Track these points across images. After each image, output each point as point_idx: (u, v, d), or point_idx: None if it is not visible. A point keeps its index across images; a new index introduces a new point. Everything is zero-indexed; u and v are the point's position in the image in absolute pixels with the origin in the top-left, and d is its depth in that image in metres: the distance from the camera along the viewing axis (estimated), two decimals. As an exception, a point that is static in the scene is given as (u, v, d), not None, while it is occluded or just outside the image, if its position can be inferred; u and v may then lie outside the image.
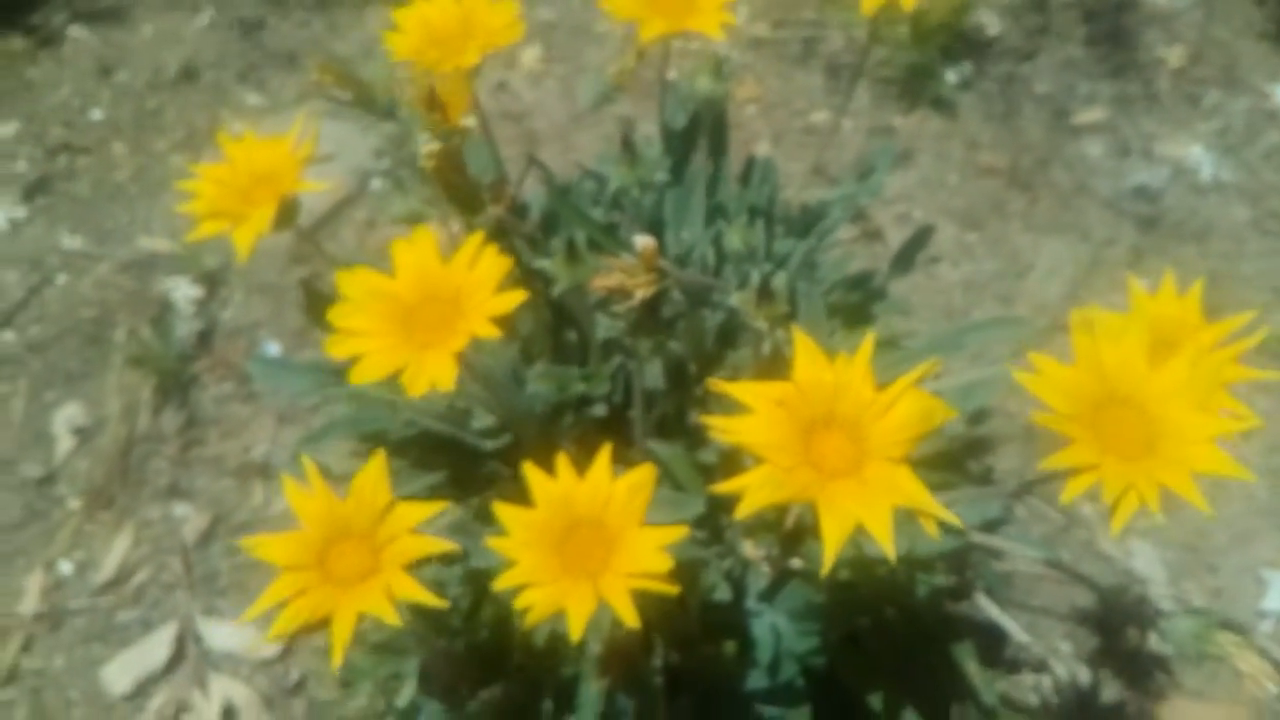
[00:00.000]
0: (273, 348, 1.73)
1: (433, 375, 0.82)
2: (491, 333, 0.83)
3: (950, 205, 1.92)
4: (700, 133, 1.20)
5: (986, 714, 1.15)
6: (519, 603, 0.79)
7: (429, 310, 0.87)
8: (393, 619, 0.80)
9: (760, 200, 1.13)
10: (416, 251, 0.88)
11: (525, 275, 1.04)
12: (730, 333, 1.08)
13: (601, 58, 2.20)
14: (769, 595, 1.05)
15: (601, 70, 1.15)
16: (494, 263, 0.86)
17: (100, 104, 2.15)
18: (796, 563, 1.06)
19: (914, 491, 0.76)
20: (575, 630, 0.78)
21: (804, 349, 0.80)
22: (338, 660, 0.81)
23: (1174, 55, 2.20)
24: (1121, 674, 1.39)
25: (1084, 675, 1.38)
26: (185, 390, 1.69)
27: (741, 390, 0.78)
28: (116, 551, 1.53)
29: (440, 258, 0.88)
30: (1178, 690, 1.39)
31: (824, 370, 0.79)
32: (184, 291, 1.81)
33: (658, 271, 0.89)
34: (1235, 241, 1.93)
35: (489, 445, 1.09)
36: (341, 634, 0.81)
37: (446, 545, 0.84)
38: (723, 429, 0.76)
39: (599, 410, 1.05)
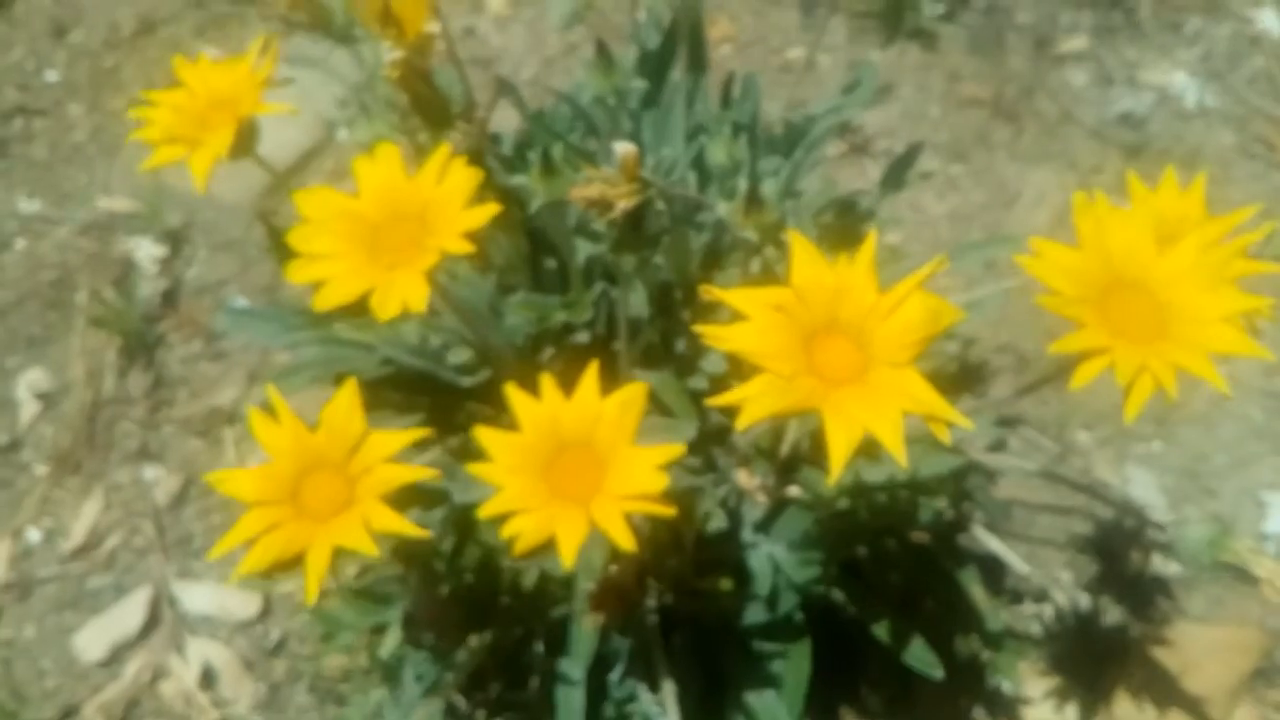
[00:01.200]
0: (240, 304, 1.67)
1: (403, 296, 0.76)
2: (463, 248, 0.77)
3: (934, 138, 1.86)
4: (676, 50, 1.14)
5: (991, 641, 1.11)
6: (505, 531, 0.73)
7: (396, 229, 0.81)
8: (371, 550, 0.75)
9: (743, 117, 1.07)
10: (380, 167, 0.82)
11: (500, 199, 0.98)
12: (716, 254, 1.02)
13: (570, 3, 2.13)
14: (765, 525, 1.00)
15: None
16: (464, 175, 0.80)
17: (55, 65, 2.06)
18: (794, 491, 1.01)
19: (924, 395, 0.71)
20: (566, 557, 0.72)
21: (801, 250, 0.74)
22: (312, 597, 0.75)
23: (1158, -16, 2.14)
24: (1123, 600, 1.35)
25: (1085, 603, 1.34)
26: (151, 351, 1.62)
27: (737, 296, 0.73)
28: (86, 517, 1.46)
29: (405, 173, 0.82)
30: (1181, 615, 1.35)
31: (824, 272, 0.74)
32: (147, 251, 1.73)
33: (640, 181, 0.83)
34: (1222, 166, 1.88)
35: (467, 381, 1.03)
36: (317, 569, 0.75)
37: (425, 472, 0.79)
38: (717, 337, 0.71)
39: (582, 339, 0.99)
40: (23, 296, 1.71)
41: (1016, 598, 1.31)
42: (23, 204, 1.84)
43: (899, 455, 0.69)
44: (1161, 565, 1.37)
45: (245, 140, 0.94)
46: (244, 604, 1.37)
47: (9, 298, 1.71)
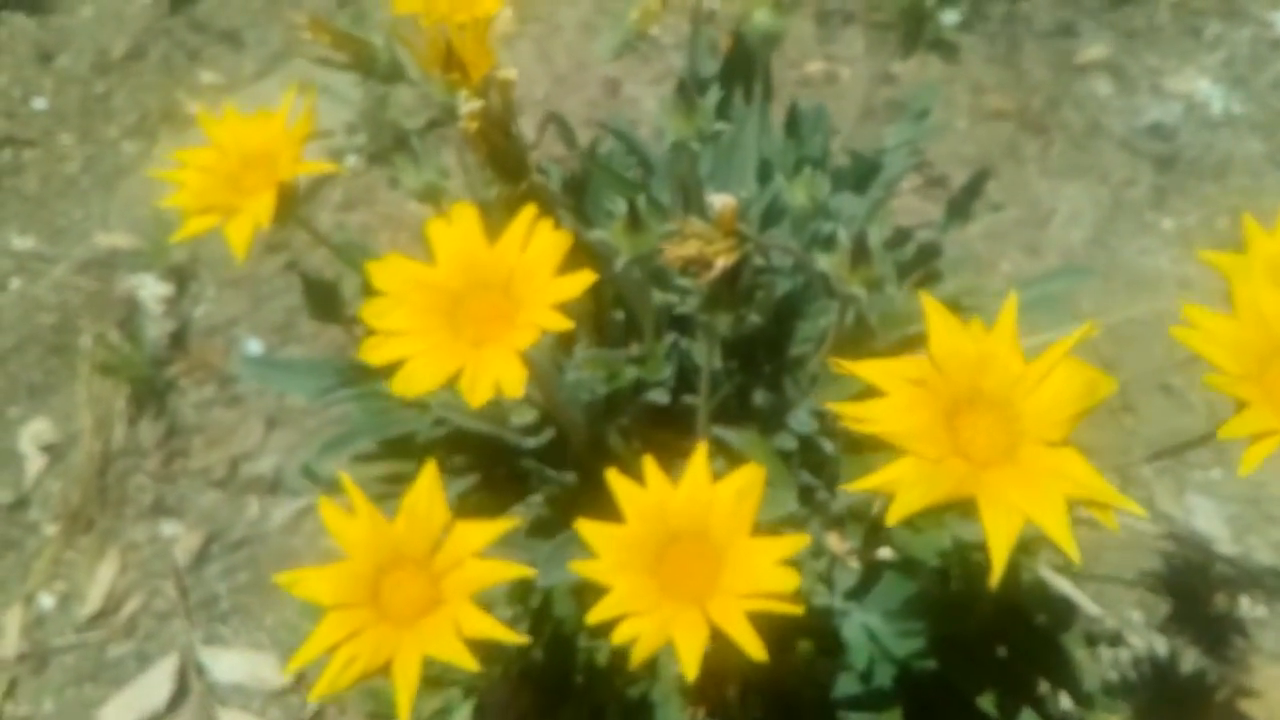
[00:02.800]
0: (254, 345, 1.57)
1: (496, 377, 0.68)
2: (559, 324, 0.69)
3: (961, 152, 1.79)
4: (738, 77, 1.06)
5: (1086, 701, 1.04)
6: (618, 637, 0.65)
7: (479, 300, 0.72)
8: (468, 663, 0.66)
9: (813, 151, 1.00)
10: (457, 232, 0.74)
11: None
12: (797, 301, 0.94)
13: (576, 16, 2.05)
14: (859, 593, 0.92)
15: (619, 16, 1.00)
16: (552, 240, 0.72)
17: (43, 92, 1.95)
18: (884, 553, 0.94)
19: (1087, 478, 0.63)
20: (688, 668, 0.64)
21: (938, 318, 0.67)
22: (405, 716, 0.67)
23: (1171, -13, 2.08)
24: (1199, 641, 1.28)
25: (1161, 646, 1.27)
26: (162, 397, 1.53)
27: (872, 370, 0.65)
28: (102, 579, 1.37)
29: (486, 238, 0.74)
30: (1258, 653, 1.29)
31: (964, 342, 0.66)
32: (151, 289, 1.63)
33: (738, 236, 0.75)
34: (1254, 176, 1.82)
35: (530, 443, 0.95)
36: (408, 682, 0.67)
37: (521, 570, 0.71)
38: (857, 417, 0.63)
39: (658, 398, 0.91)
40: (22, 341, 1.60)
41: (1091, 641, 1.24)
42: (15, 241, 1.74)
43: (1070, 548, 0.61)
44: (1234, 601, 1.31)
45: (287, 203, 0.85)
46: (277, 671, 1.28)
47: (7, 343, 1.60)
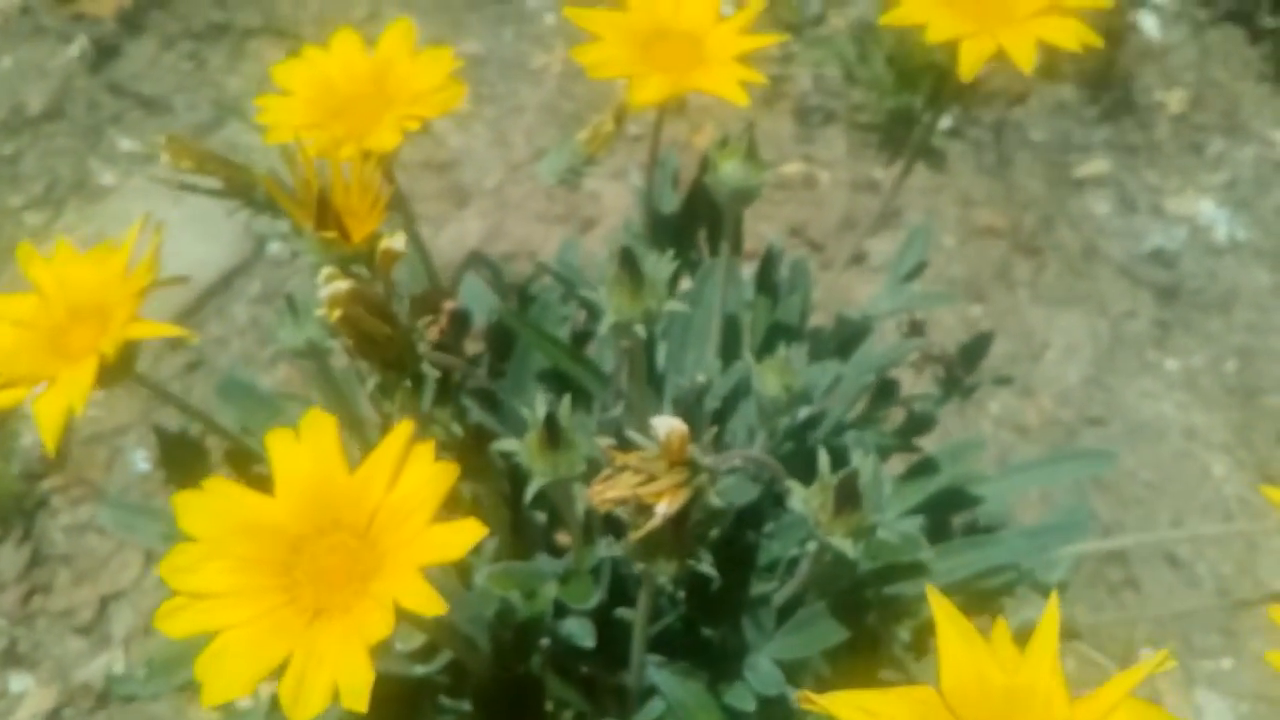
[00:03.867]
0: (141, 460, 1.36)
1: (333, 676, 0.48)
2: (426, 605, 0.49)
3: (948, 272, 1.62)
4: (703, 217, 0.88)
5: None
6: None
7: (329, 548, 0.53)
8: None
9: (790, 316, 0.81)
10: (306, 451, 0.54)
11: (474, 438, 0.70)
12: (762, 513, 0.75)
13: (538, 97, 1.87)
14: None
15: (567, 137, 0.82)
16: (429, 474, 0.52)
17: (-59, 150, 1.75)
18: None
19: None
20: None
21: (951, 630, 0.48)
22: None
23: (1173, 100, 1.93)
24: None
25: None
26: (30, 518, 1.31)
27: (856, 707, 0.46)
28: (-71, 746, 1.15)
29: (345, 461, 0.54)
30: None
31: (987, 666, 0.47)
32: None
33: (689, 467, 0.56)
34: (1260, 311, 1.66)
35: (419, 670, 0.75)
36: None
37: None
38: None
39: (581, 637, 0.71)
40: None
41: None
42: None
43: None
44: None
45: (123, 365, 0.66)
46: None
47: None
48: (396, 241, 0.57)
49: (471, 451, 0.68)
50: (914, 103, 1.78)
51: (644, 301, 0.63)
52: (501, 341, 0.85)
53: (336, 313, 0.54)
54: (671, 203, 0.90)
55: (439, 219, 1.68)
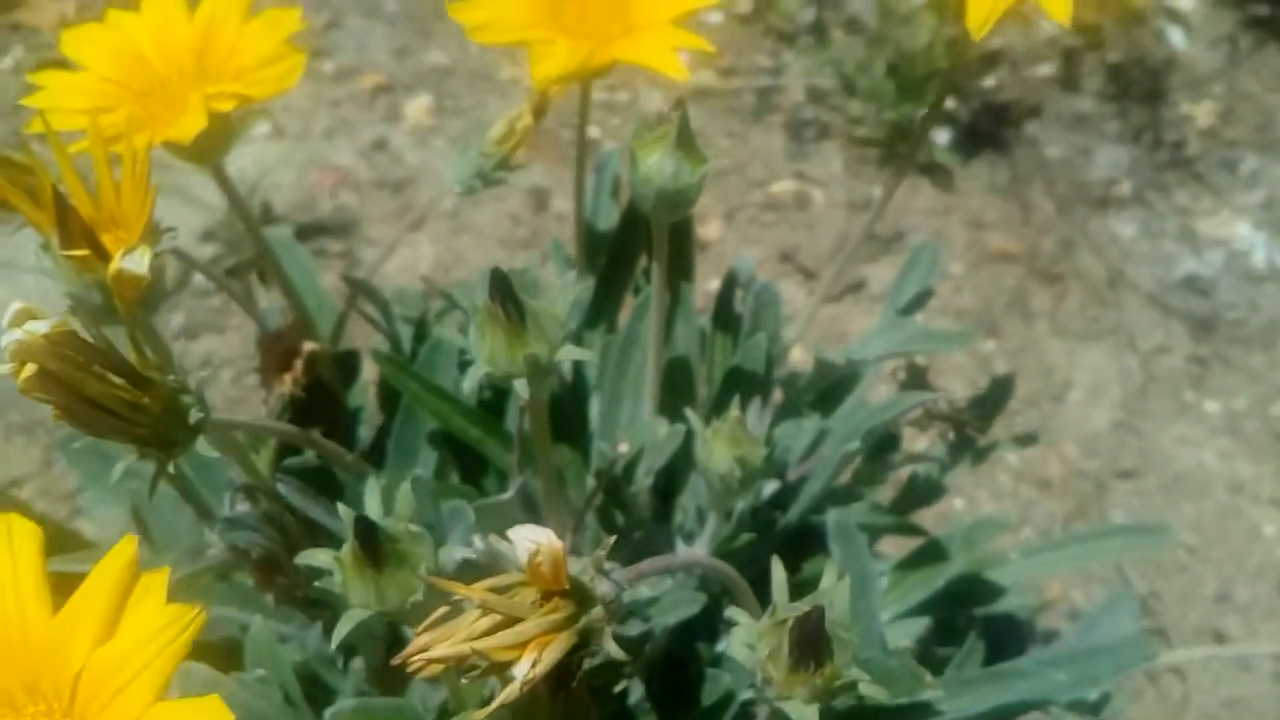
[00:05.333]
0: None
1: None
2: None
3: (957, 303, 1.43)
4: (639, 240, 0.69)
5: None
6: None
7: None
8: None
9: (753, 360, 0.62)
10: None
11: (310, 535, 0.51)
12: (703, 633, 0.56)
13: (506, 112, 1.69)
14: None
15: (481, 131, 0.63)
16: (159, 627, 0.33)
17: None
18: None
19: None
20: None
21: None
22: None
23: (1201, 113, 1.74)
24: None
25: None
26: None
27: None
28: None
29: (45, 597, 0.35)
30: None
31: None
32: (-83, 433, 1.24)
33: (573, 598, 0.37)
34: (1307, 345, 1.47)
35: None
36: None
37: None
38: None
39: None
40: None
41: None
42: None
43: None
44: None
45: None
46: None
47: None
48: (134, 260, 0.38)
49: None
50: (917, 114, 1.59)
51: (528, 346, 0.44)
52: (391, 393, 0.66)
53: (28, 369, 0.35)
54: (610, 216, 0.71)
55: (390, 242, 1.50)
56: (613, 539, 0.38)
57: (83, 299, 0.43)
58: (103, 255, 0.42)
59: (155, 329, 0.44)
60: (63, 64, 1.46)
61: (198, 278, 1.41)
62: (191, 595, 0.54)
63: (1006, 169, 1.61)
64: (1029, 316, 1.43)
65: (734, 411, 0.52)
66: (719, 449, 0.52)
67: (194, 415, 0.41)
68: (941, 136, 1.62)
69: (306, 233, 1.46)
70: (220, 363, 1.36)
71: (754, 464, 0.52)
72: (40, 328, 0.35)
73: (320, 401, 0.65)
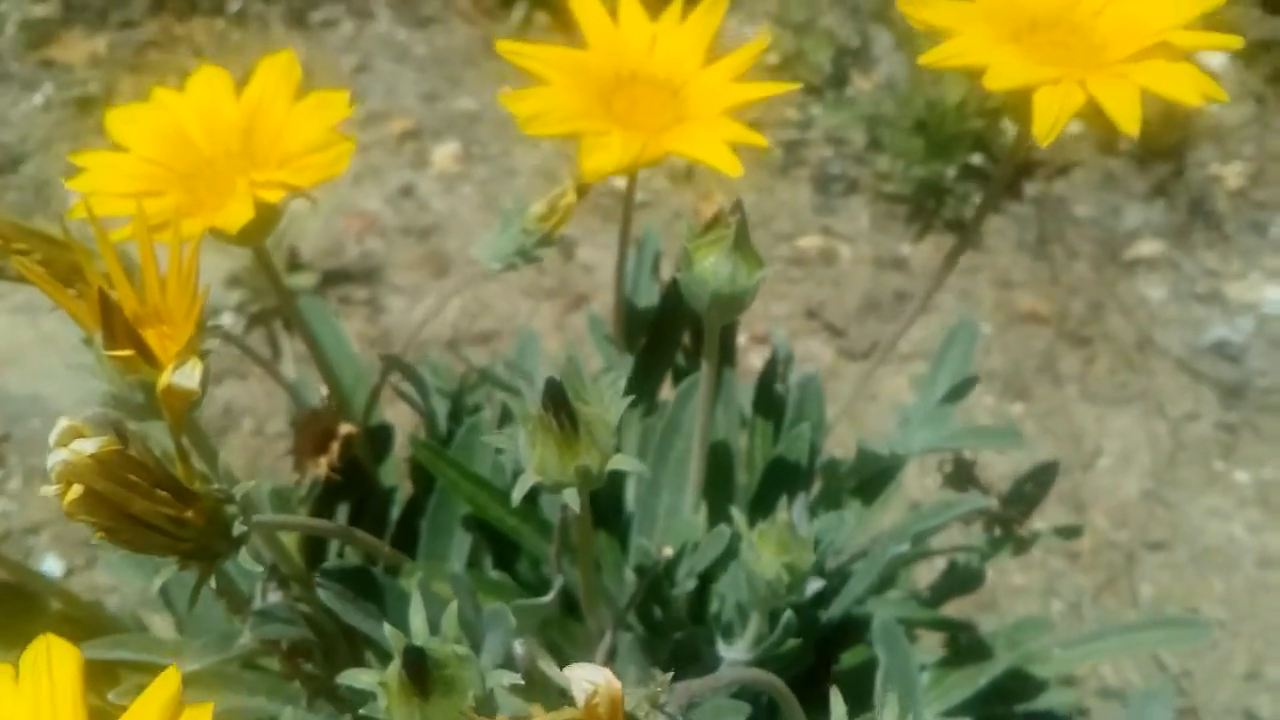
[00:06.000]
0: (52, 564, 1.16)
1: None
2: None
3: (986, 364, 1.41)
4: (680, 319, 0.68)
5: None
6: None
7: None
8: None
9: (797, 451, 0.61)
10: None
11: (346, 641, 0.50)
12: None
13: (533, 160, 1.69)
14: None
15: (520, 207, 0.62)
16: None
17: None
18: None
19: None
20: None
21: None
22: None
23: (1231, 174, 1.73)
24: None
25: None
26: (-86, 632, 1.11)
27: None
28: None
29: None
30: None
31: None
32: (-63, 475, 1.23)
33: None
34: (1339, 414, 1.44)
35: None
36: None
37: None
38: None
39: None
40: None
41: None
42: None
43: None
44: None
45: None
46: None
47: None
48: (185, 375, 0.37)
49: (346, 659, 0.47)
50: (946, 172, 1.58)
51: (580, 456, 0.42)
52: (424, 473, 0.64)
53: (74, 491, 0.34)
54: (650, 294, 0.70)
55: (415, 290, 1.49)
56: (669, 677, 0.36)
57: (125, 398, 0.42)
58: (147, 355, 0.41)
59: (200, 428, 0.43)
60: (91, 101, 1.45)
61: (225, 318, 1.40)
62: (219, 684, 0.53)
63: (1035, 227, 1.59)
64: (1058, 380, 1.41)
65: (782, 514, 0.51)
66: (767, 554, 0.50)
67: (238, 528, 0.39)
68: (970, 194, 1.61)
69: (332, 279, 1.46)
70: (241, 410, 1.35)
71: (803, 570, 0.50)
72: (87, 447, 0.34)
73: (352, 479, 0.64)
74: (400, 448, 0.72)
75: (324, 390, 0.62)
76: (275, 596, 0.54)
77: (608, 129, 0.51)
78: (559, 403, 0.42)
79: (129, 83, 1.71)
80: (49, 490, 0.35)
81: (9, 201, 1.60)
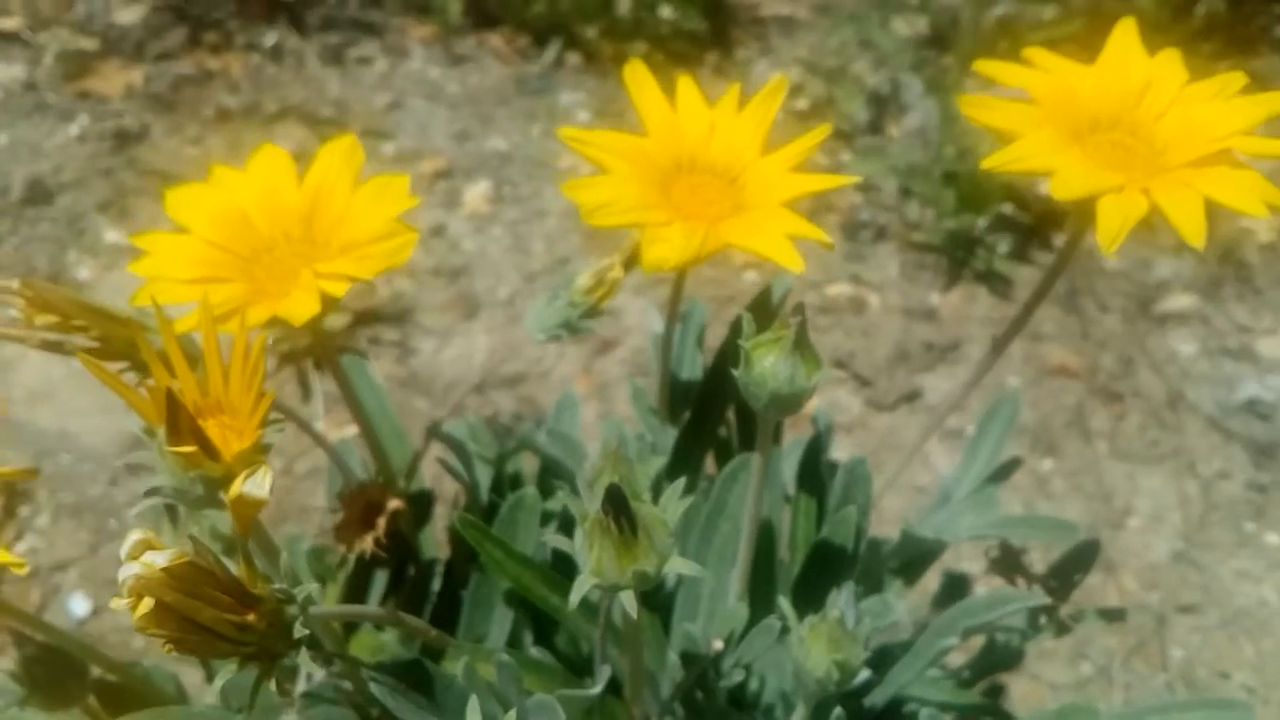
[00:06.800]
0: (80, 604, 1.17)
1: None
2: None
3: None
4: (725, 393, 0.68)
5: None
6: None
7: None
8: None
9: (842, 535, 0.60)
10: None
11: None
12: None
13: (564, 201, 1.69)
14: None
15: (568, 282, 0.62)
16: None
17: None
18: None
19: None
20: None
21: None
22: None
23: (1261, 227, 1.73)
24: None
25: None
26: (-58, 669, 1.11)
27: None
28: None
29: None
30: None
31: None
32: (-32, 510, 1.24)
33: None
34: (1372, 475, 1.43)
35: None
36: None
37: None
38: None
39: None
40: None
41: None
42: None
43: None
44: None
45: None
46: None
47: None
48: (256, 484, 0.37)
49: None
50: (977, 223, 1.58)
51: (638, 560, 0.42)
52: (464, 542, 0.64)
53: (145, 605, 0.34)
54: (695, 367, 0.70)
55: (445, 332, 1.49)
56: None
57: (184, 490, 0.42)
58: (209, 450, 0.41)
59: (263, 527, 0.43)
60: (126, 134, 1.45)
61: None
62: (263, 762, 0.52)
63: (1066, 279, 1.59)
64: (1088, 436, 1.40)
65: (833, 611, 0.50)
66: (817, 650, 0.50)
67: (299, 630, 0.39)
68: (1002, 245, 1.61)
69: (363, 320, 1.46)
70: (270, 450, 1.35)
71: (854, 667, 0.50)
72: (159, 560, 0.34)
73: (391, 545, 0.64)
74: (438, 515, 0.72)
75: (371, 464, 0.62)
76: (318, 673, 0.54)
77: (669, 219, 0.51)
78: (619, 507, 0.42)
79: (165, 120, 1.73)
80: (119, 604, 0.35)
81: (42, 234, 1.61)
